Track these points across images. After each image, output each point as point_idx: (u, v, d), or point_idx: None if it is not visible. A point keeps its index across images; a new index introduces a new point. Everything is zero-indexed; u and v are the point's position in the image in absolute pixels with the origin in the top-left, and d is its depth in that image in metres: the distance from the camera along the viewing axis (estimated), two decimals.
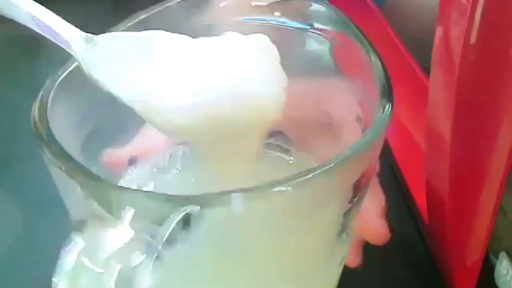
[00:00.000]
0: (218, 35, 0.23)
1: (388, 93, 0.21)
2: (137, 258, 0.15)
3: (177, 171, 0.29)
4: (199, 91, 0.21)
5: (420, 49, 0.34)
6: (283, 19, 0.26)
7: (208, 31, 0.23)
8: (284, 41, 0.26)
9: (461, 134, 0.24)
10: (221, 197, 0.17)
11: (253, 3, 0.26)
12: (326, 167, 0.18)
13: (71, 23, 0.23)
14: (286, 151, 0.30)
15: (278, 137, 0.30)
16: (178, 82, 0.21)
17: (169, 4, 0.24)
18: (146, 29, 0.23)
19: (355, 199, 0.21)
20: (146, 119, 0.22)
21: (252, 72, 0.22)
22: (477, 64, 0.22)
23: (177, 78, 0.21)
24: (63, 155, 0.18)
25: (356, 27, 0.24)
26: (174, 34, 0.22)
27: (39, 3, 0.22)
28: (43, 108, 0.20)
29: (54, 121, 0.20)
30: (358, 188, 0.21)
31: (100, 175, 0.23)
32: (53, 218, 0.23)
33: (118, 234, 0.16)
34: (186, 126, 0.21)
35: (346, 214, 0.21)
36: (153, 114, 0.21)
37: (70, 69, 0.22)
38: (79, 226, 0.16)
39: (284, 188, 0.17)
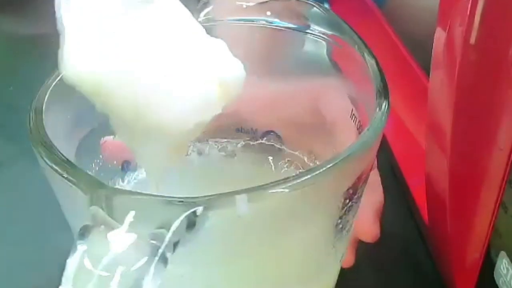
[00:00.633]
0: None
1: (384, 93, 0.21)
2: (142, 261, 0.15)
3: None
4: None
5: (420, 49, 0.34)
6: (279, 20, 0.26)
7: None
8: (280, 42, 0.27)
9: (461, 133, 0.24)
10: (226, 198, 0.17)
11: (250, 3, 0.26)
12: (325, 168, 0.18)
13: None
14: (279, 151, 0.30)
15: (270, 137, 0.30)
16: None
17: None
18: None
19: (354, 197, 0.21)
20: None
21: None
22: (476, 64, 0.22)
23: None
24: (64, 162, 0.18)
25: (350, 27, 0.24)
26: None
27: None
28: (38, 115, 0.20)
29: (48, 128, 0.20)
30: (356, 187, 0.21)
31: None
32: (53, 218, 0.23)
33: (122, 238, 0.16)
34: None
35: (346, 212, 0.21)
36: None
37: (61, 76, 0.22)
38: (83, 234, 0.16)
39: (284, 189, 0.18)
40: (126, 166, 0.28)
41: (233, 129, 0.30)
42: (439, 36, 0.24)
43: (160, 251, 0.15)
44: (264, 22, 0.26)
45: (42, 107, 0.20)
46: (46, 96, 0.21)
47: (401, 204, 0.36)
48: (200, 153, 0.30)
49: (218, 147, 0.30)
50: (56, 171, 0.18)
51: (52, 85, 0.21)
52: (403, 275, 0.33)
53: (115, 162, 0.27)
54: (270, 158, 0.30)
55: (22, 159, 0.38)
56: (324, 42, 0.26)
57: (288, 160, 0.30)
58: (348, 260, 0.29)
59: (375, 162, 0.28)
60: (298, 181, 0.18)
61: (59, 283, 0.16)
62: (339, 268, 0.25)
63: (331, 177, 0.19)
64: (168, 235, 0.16)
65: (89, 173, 0.25)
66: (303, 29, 0.26)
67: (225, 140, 0.30)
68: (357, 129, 0.24)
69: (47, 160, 0.18)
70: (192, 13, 0.25)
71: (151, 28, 0.20)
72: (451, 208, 0.27)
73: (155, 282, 0.15)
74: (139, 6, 0.20)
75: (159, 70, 0.20)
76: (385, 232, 0.34)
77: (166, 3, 0.21)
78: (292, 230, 0.20)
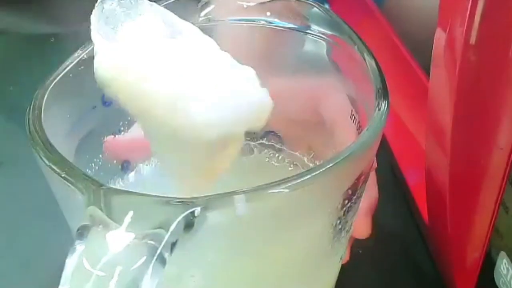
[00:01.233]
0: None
1: (383, 93, 0.21)
2: (140, 262, 0.15)
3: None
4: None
5: (420, 49, 0.34)
6: (279, 20, 0.26)
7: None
8: (280, 42, 0.27)
9: (461, 133, 0.24)
10: (224, 198, 0.17)
11: (251, 3, 0.26)
12: (325, 168, 0.18)
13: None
14: (279, 151, 0.30)
15: (270, 137, 0.30)
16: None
17: (162, 4, 0.24)
18: None
19: (354, 197, 0.21)
20: None
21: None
22: (477, 64, 0.22)
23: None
24: (62, 162, 0.18)
25: (350, 28, 0.24)
26: None
27: None
28: (37, 116, 0.20)
29: (48, 128, 0.20)
30: (356, 187, 0.21)
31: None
32: (52, 218, 0.23)
33: (120, 238, 0.16)
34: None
35: (345, 212, 0.21)
36: None
37: (62, 74, 0.22)
38: (81, 234, 0.16)
39: (284, 189, 0.18)
40: (126, 166, 0.28)
41: None
42: (439, 36, 0.24)
43: (158, 251, 0.15)
44: (264, 22, 0.26)
45: (41, 107, 0.20)
46: (46, 96, 0.21)
47: (401, 204, 0.36)
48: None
49: None
50: (54, 171, 0.18)
51: (52, 85, 0.21)
52: (403, 275, 0.33)
53: (115, 162, 0.27)
54: (270, 158, 0.30)
55: (22, 159, 0.38)
56: (324, 42, 0.26)
57: (288, 161, 0.30)
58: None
59: (375, 163, 0.28)
60: (298, 181, 0.18)
61: (59, 283, 0.16)
62: (339, 268, 0.25)
63: (331, 178, 0.19)
64: (166, 236, 0.16)
65: (89, 172, 0.25)
66: (303, 29, 0.26)
67: None
68: (357, 129, 0.24)
69: (45, 160, 0.18)
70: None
71: (180, 53, 0.21)
72: (451, 208, 0.27)
73: (153, 282, 0.15)
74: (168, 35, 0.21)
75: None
76: (385, 232, 0.34)
77: (193, 34, 0.22)
78: (292, 230, 0.20)
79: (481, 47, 0.22)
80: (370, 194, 0.28)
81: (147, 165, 0.29)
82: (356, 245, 0.28)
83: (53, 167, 0.18)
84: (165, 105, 0.20)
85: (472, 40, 0.21)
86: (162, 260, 0.16)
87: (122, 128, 0.27)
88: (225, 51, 0.22)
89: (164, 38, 0.21)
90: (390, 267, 0.33)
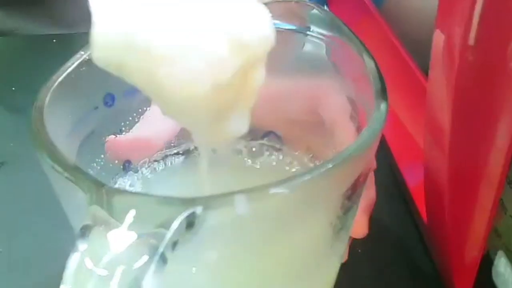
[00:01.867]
0: None
1: (382, 94, 0.21)
2: (141, 261, 0.15)
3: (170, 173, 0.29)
4: None
5: (418, 49, 0.34)
6: (279, 22, 0.26)
7: None
8: (280, 43, 0.27)
9: (459, 133, 0.24)
10: (225, 198, 0.17)
11: None
12: (325, 168, 0.18)
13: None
14: (279, 151, 0.30)
15: (270, 137, 0.30)
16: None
17: None
18: None
19: (353, 197, 0.21)
20: None
21: None
22: (475, 65, 0.22)
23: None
24: (65, 162, 0.18)
25: (349, 29, 0.24)
26: None
27: None
28: (40, 116, 0.20)
29: (50, 128, 0.20)
30: (355, 187, 0.21)
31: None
32: (53, 217, 0.23)
33: (122, 238, 0.16)
34: None
35: (345, 212, 0.22)
36: None
37: (64, 75, 0.22)
38: (83, 233, 0.16)
39: (284, 189, 0.18)
40: (127, 166, 0.28)
41: None
42: (438, 36, 0.24)
43: (160, 250, 0.16)
44: None
45: (43, 107, 0.21)
46: (48, 96, 0.21)
47: (399, 203, 0.37)
48: (200, 152, 0.30)
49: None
50: (57, 170, 0.18)
51: (54, 86, 0.21)
52: (402, 274, 0.33)
53: (116, 162, 0.27)
54: (270, 158, 0.30)
55: (23, 159, 0.38)
56: (323, 43, 0.26)
57: (288, 161, 0.30)
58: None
59: (374, 163, 0.28)
60: (298, 181, 0.18)
61: (60, 282, 0.16)
62: (338, 268, 0.26)
63: (330, 178, 0.19)
64: (168, 235, 0.16)
65: (91, 172, 0.25)
66: (303, 31, 0.26)
67: None
68: (356, 129, 0.24)
69: (48, 160, 0.18)
70: None
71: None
72: (449, 207, 0.27)
73: (155, 282, 0.15)
74: None
75: (174, 24, 0.19)
76: (384, 232, 0.34)
77: None
78: (291, 230, 0.20)
79: (479, 48, 0.22)
80: (367, 194, 0.29)
81: (148, 165, 0.29)
82: (355, 244, 0.28)
83: (56, 167, 0.18)
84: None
85: (471, 40, 0.22)
86: (163, 260, 0.16)
87: (123, 129, 0.27)
88: None
89: None
90: (389, 266, 0.33)
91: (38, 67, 0.45)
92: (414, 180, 0.36)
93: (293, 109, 0.28)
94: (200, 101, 0.20)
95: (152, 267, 0.15)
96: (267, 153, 0.30)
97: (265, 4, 0.26)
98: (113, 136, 0.27)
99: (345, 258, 0.28)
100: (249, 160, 0.30)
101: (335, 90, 0.26)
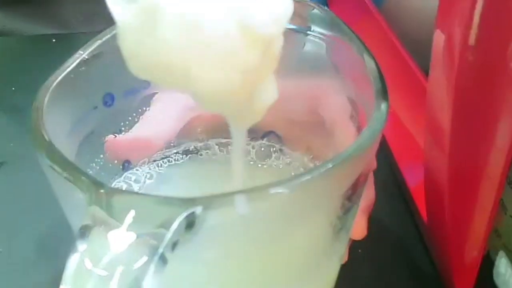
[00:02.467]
0: None
1: (383, 94, 0.21)
2: (141, 261, 0.15)
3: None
4: None
5: (418, 49, 0.34)
6: None
7: None
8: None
9: (459, 133, 0.24)
10: (225, 198, 0.17)
11: None
12: (325, 168, 0.18)
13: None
14: (279, 151, 0.30)
15: (270, 137, 0.30)
16: None
17: None
18: None
19: (353, 198, 0.21)
20: None
21: None
22: (475, 65, 0.22)
23: None
24: (64, 162, 0.18)
25: (349, 29, 0.24)
26: None
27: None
28: (39, 116, 0.20)
29: (49, 127, 0.20)
30: (356, 187, 0.21)
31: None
32: (53, 217, 0.23)
33: (122, 238, 0.16)
34: None
35: (345, 212, 0.22)
36: None
37: (63, 75, 0.22)
38: (83, 233, 0.16)
39: (284, 189, 0.18)
40: (127, 166, 0.28)
41: None
42: (438, 36, 0.24)
43: (160, 251, 0.15)
44: None
45: (43, 107, 0.20)
46: (47, 96, 0.21)
47: (399, 203, 0.36)
48: (200, 152, 0.30)
49: (218, 146, 0.30)
50: (56, 171, 0.18)
51: (53, 85, 0.21)
52: (402, 274, 0.33)
53: (115, 162, 0.27)
54: (270, 158, 0.30)
55: (23, 159, 0.38)
56: (323, 43, 0.26)
57: (288, 161, 0.30)
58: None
59: (375, 163, 0.28)
60: (298, 181, 0.18)
61: (59, 283, 0.16)
62: (338, 269, 0.26)
63: (330, 178, 0.19)
64: (168, 235, 0.16)
65: (90, 172, 0.25)
66: (303, 30, 0.26)
67: (226, 139, 0.30)
68: (357, 129, 0.24)
69: (47, 160, 0.18)
70: None
71: None
72: (450, 207, 0.27)
73: (155, 282, 0.15)
74: None
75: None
76: (384, 232, 0.34)
77: None
78: (291, 231, 0.20)
79: (480, 48, 0.22)
80: (367, 194, 0.29)
81: (148, 165, 0.29)
82: (355, 244, 0.28)
83: (55, 167, 0.18)
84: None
85: (471, 40, 0.22)
86: (163, 260, 0.16)
87: (123, 128, 0.27)
88: None
89: None
90: (389, 266, 0.33)
91: (38, 67, 0.45)
92: (414, 180, 0.36)
93: (293, 109, 0.28)
94: (235, 93, 0.20)
95: (152, 267, 0.15)
96: (267, 153, 0.30)
97: None
98: (113, 136, 0.26)
99: (345, 258, 0.28)
100: (248, 160, 0.30)
101: (335, 90, 0.26)
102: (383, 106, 0.21)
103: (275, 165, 0.30)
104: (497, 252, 0.25)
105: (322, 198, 0.20)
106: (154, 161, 0.29)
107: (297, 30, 0.26)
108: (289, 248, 0.21)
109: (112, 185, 0.27)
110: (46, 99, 0.21)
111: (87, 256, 0.15)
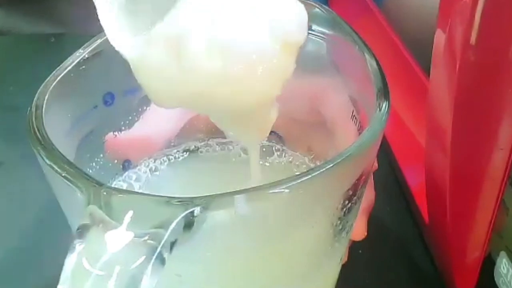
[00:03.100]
0: None
1: (384, 93, 0.21)
2: (139, 261, 0.15)
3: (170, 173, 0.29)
4: None
5: (419, 48, 0.34)
6: None
7: None
8: None
9: (461, 132, 0.24)
10: (224, 198, 0.17)
11: None
12: (325, 168, 0.18)
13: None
14: (280, 151, 0.30)
15: (272, 137, 0.30)
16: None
17: None
18: None
19: (354, 198, 0.21)
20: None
21: None
22: (477, 64, 0.22)
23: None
24: (63, 161, 0.18)
25: (351, 28, 0.24)
26: None
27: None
28: (38, 115, 0.20)
29: (48, 127, 0.20)
30: (356, 187, 0.21)
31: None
32: (53, 217, 0.23)
33: (120, 238, 0.16)
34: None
35: (346, 213, 0.21)
36: None
37: (63, 74, 0.22)
38: (81, 233, 0.16)
39: (284, 189, 0.17)
40: (127, 165, 0.28)
41: None
42: (439, 35, 0.24)
43: (158, 250, 0.15)
44: None
45: (42, 106, 0.20)
46: (47, 95, 0.21)
47: (401, 203, 0.36)
48: (201, 152, 0.30)
49: (219, 146, 0.30)
50: (55, 170, 0.18)
51: (53, 84, 0.21)
52: (402, 274, 0.33)
53: (115, 161, 0.27)
54: (271, 158, 0.30)
55: (22, 159, 0.38)
56: (324, 42, 0.26)
57: (289, 161, 0.30)
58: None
59: (376, 164, 0.28)
60: (298, 181, 0.18)
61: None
62: (338, 269, 0.25)
63: (331, 178, 0.19)
64: (166, 235, 0.16)
65: (90, 171, 0.25)
66: (308, 30, 0.26)
67: (226, 139, 0.30)
68: (358, 129, 0.24)
69: (45, 159, 0.18)
70: None
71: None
72: (451, 207, 0.27)
73: (153, 282, 0.15)
74: None
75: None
76: (385, 232, 0.34)
77: None
78: (291, 231, 0.20)
79: (481, 47, 0.22)
80: (366, 196, 0.28)
81: (148, 165, 0.29)
82: (356, 245, 0.28)
83: (54, 166, 0.18)
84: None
85: (472, 39, 0.22)
86: (161, 260, 0.16)
87: (123, 128, 0.27)
88: None
89: None
90: (390, 266, 0.33)
91: (37, 67, 0.45)
92: (415, 179, 0.36)
93: (294, 109, 0.28)
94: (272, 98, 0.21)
95: (150, 267, 0.15)
96: (268, 153, 0.30)
97: None
98: (113, 135, 0.26)
99: (345, 259, 0.28)
100: (248, 160, 0.30)
101: (336, 89, 0.26)
102: (384, 105, 0.21)
103: (275, 165, 0.30)
104: (498, 252, 0.24)
105: (322, 198, 0.20)
106: (155, 160, 0.29)
107: None
108: (289, 249, 0.21)
109: (113, 185, 0.27)
110: (46, 97, 0.21)
111: (85, 256, 0.15)
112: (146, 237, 0.16)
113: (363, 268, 0.32)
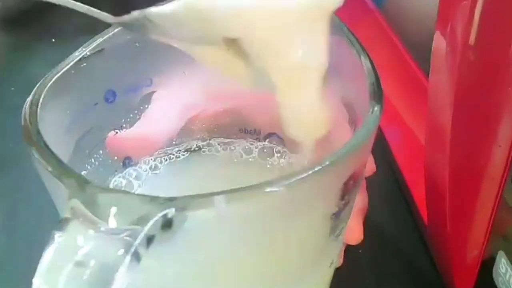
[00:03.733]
0: None
1: (377, 95, 0.21)
2: (115, 256, 0.15)
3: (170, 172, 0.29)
4: None
5: (419, 49, 0.34)
6: None
7: None
8: None
9: (460, 132, 0.24)
10: (204, 199, 0.17)
11: None
12: (315, 169, 0.18)
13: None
14: (281, 152, 0.30)
15: (273, 139, 0.30)
16: None
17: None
18: None
19: (345, 199, 0.21)
20: None
21: None
22: (476, 64, 0.22)
23: None
24: (50, 157, 0.18)
25: (348, 29, 0.24)
26: None
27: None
28: (33, 110, 0.20)
29: (45, 123, 0.20)
30: (347, 189, 0.21)
31: (92, 174, 0.23)
32: (53, 217, 0.23)
33: (99, 233, 0.16)
34: None
35: (337, 214, 0.21)
36: None
37: (63, 71, 0.22)
38: (61, 226, 0.16)
39: (274, 189, 0.17)
40: (127, 163, 0.28)
41: (236, 129, 0.30)
42: (439, 36, 0.24)
43: (134, 247, 0.16)
44: None
45: (38, 101, 0.20)
46: (45, 91, 0.21)
47: (399, 203, 0.36)
48: (203, 151, 0.30)
49: (221, 146, 0.30)
50: (42, 164, 0.18)
51: (51, 82, 0.21)
52: (401, 275, 0.33)
53: (115, 158, 0.27)
54: (272, 159, 0.30)
55: (23, 159, 0.38)
56: None
57: (289, 163, 0.30)
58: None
59: (374, 166, 0.28)
60: (288, 182, 0.18)
61: None
62: (331, 273, 0.25)
63: (321, 179, 0.19)
64: (142, 233, 0.16)
65: (89, 167, 0.25)
66: None
67: (228, 140, 0.30)
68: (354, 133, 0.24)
69: (34, 154, 0.18)
70: None
71: None
72: (450, 207, 0.27)
73: (127, 277, 0.15)
74: None
75: None
76: (383, 231, 0.34)
77: None
78: (280, 232, 0.20)
79: (480, 47, 0.22)
80: (359, 199, 0.28)
81: (148, 163, 0.29)
82: (355, 245, 0.28)
83: (41, 161, 0.18)
84: None
85: (471, 40, 0.22)
86: (137, 256, 0.16)
87: (124, 125, 0.27)
88: None
89: None
90: (390, 267, 0.33)
91: (37, 67, 0.45)
92: (414, 179, 0.36)
93: None
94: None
95: (126, 263, 0.15)
96: (269, 154, 0.30)
97: None
98: (114, 133, 0.27)
99: (340, 262, 0.28)
100: (249, 161, 0.30)
101: (332, 92, 0.26)
102: (377, 109, 0.20)
103: (276, 166, 0.30)
104: (497, 252, 0.25)
105: (313, 198, 0.20)
106: (156, 158, 0.29)
107: None
108: (277, 250, 0.21)
109: (112, 181, 0.27)
110: (43, 94, 0.21)
111: (63, 249, 0.16)
112: (124, 234, 0.16)
113: (362, 268, 0.32)
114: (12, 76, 0.48)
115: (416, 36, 0.38)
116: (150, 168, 0.29)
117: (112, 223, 0.16)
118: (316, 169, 0.18)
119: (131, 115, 0.27)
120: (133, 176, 0.28)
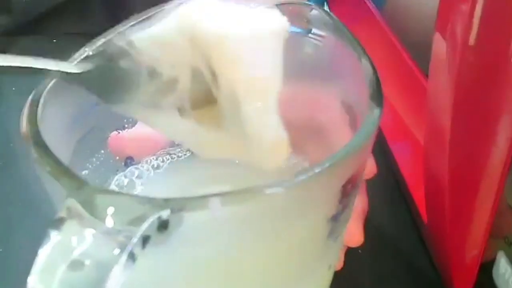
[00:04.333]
0: None
1: (377, 97, 0.21)
2: (110, 256, 0.15)
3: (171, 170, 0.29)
4: None
5: (419, 50, 0.34)
6: None
7: None
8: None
9: (460, 133, 0.24)
10: (199, 201, 0.17)
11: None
12: (313, 171, 0.18)
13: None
14: None
15: None
16: None
17: (166, 7, 0.24)
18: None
19: (344, 202, 0.21)
20: None
21: None
22: (475, 65, 0.22)
23: None
24: (48, 157, 0.18)
25: (349, 31, 0.24)
26: None
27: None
28: (33, 111, 0.20)
29: (45, 123, 0.20)
30: (346, 191, 0.21)
31: (93, 174, 0.24)
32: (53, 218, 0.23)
33: (94, 233, 0.16)
34: None
35: (336, 217, 0.21)
36: None
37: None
38: (57, 225, 0.16)
39: (273, 191, 0.17)
40: (129, 162, 0.28)
41: None
42: (438, 36, 0.24)
43: (129, 248, 0.16)
44: None
45: (39, 100, 0.20)
46: (46, 90, 0.21)
47: (399, 203, 0.36)
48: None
49: None
50: (40, 164, 0.18)
51: (52, 81, 0.21)
52: (401, 275, 0.33)
53: (117, 158, 0.27)
54: None
55: (23, 159, 0.38)
56: (322, 46, 0.26)
57: (286, 165, 0.29)
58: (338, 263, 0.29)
59: (374, 168, 0.28)
60: (287, 184, 0.18)
61: None
62: (330, 276, 0.25)
63: (319, 181, 0.19)
64: (138, 233, 0.16)
65: (90, 166, 0.25)
66: (304, 33, 0.26)
67: None
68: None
69: (33, 154, 0.18)
70: None
71: None
72: (450, 207, 0.27)
73: (122, 277, 0.15)
74: None
75: None
76: (383, 232, 0.34)
77: None
78: (278, 234, 0.20)
79: (480, 48, 0.22)
80: (359, 201, 0.28)
81: (150, 162, 0.29)
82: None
83: (40, 160, 0.18)
84: None
85: (471, 40, 0.22)
86: (132, 256, 0.16)
87: (126, 126, 0.27)
88: None
89: None
90: (389, 267, 0.33)
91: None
92: (414, 180, 0.36)
93: (291, 114, 0.28)
94: None
95: (121, 263, 0.15)
96: None
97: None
98: (116, 133, 0.27)
99: (340, 264, 0.28)
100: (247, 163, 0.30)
101: (333, 95, 0.26)
102: (376, 111, 0.20)
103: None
104: (497, 252, 0.25)
105: (311, 201, 0.20)
106: (157, 157, 0.29)
107: (298, 33, 0.26)
108: (275, 252, 0.21)
109: (114, 180, 0.27)
110: (44, 94, 0.21)
111: (58, 248, 0.16)
112: (119, 234, 0.16)
113: (362, 268, 0.32)
114: (13, 76, 0.48)
115: (416, 35, 0.38)
116: (152, 167, 0.29)
117: (109, 223, 0.16)
118: (316, 171, 0.18)
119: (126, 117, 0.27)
120: (135, 175, 0.28)
